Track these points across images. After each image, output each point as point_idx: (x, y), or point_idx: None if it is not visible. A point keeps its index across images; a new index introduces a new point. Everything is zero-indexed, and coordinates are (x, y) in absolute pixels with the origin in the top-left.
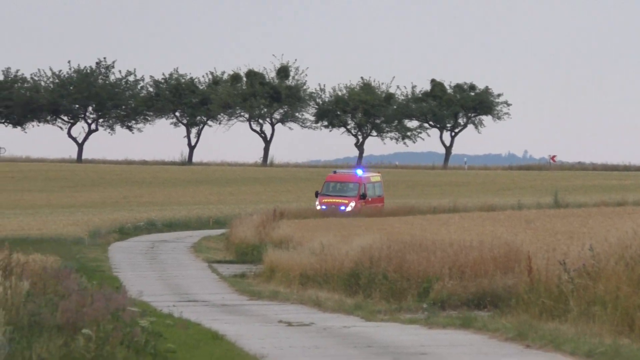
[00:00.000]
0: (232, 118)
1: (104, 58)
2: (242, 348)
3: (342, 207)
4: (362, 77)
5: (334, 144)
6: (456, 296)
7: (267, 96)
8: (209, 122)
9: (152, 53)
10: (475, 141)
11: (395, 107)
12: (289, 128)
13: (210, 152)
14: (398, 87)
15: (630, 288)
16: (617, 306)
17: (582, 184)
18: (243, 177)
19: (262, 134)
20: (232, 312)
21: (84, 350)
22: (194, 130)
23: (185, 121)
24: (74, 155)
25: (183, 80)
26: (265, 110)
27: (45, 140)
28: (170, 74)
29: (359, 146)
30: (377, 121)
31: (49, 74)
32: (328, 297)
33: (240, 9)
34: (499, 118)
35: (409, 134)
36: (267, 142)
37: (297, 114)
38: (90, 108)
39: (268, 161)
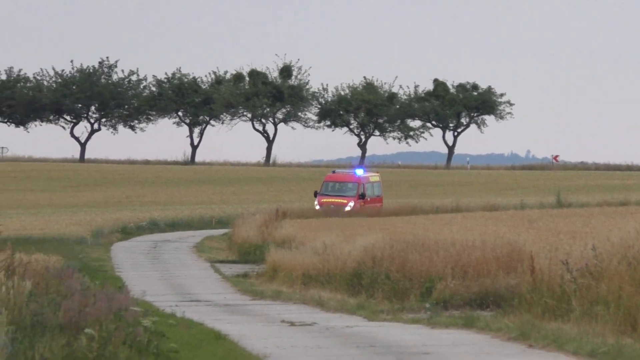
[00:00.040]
0: (235, 118)
1: (107, 57)
2: (244, 348)
3: (345, 207)
4: (364, 77)
5: (336, 144)
6: (459, 296)
7: (270, 96)
8: (212, 122)
9: (155, 52)
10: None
11: (397, 106)
12: (292, 128)
13: (212, 152)
14: (401, 86)
15: (632, 288)
16: (620, 306)
17: (584, 184)
18: (246, 177)
19: (264, 133)
20: (235, 312)
21: (86, 350)
22: (196, 130)
23: (187, 121)
24: (76, 154)
25: (186, 80)
26: (268, 109)
27: (47, 140)
28: (173, 74)
29: (362, 146)
30: (380, 121)
31: (52, 73)
32: (330, 297)
33: (243, 9)
34: (501, 118)
35: (411, 133)
36: (270, 142)
37: (299, 114)
38: (92, 108)
39: (271, 161)
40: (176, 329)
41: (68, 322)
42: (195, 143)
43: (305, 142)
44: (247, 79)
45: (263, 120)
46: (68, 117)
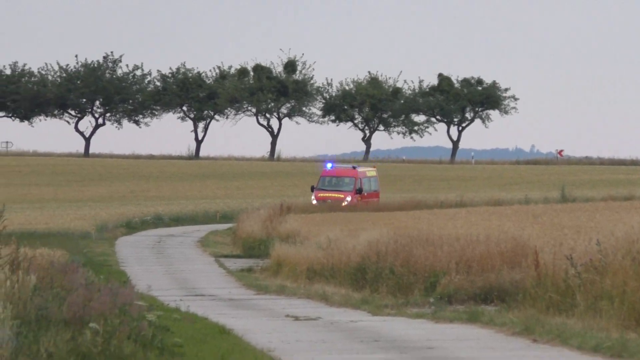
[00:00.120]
0: (240, 112)
1: (111, 52)
2: (249, 342)
3: (342, 202)
4: (369, 72)
5: (341, 139)
6: (463, 291)
7: (274, 90)
8: (216, 117)
9: (160, 47)
10: (483, 136)
11: (402, 101)
12: (296, 122)
13: (217, 147)
14: (405, 81)
15: (637, 283)
16: (624, 301)
17: (589, 179)
18: (250, 172)
19: (269, 128)
20: (239, 306)
21: (91, 344)
22: (201, 125)
23: (192, 115)
24: (81, 149)
25: (190, 75)
26: (273, 104)
27: (52, 135)
28: (178, 69)
29: (366, 141)
30: (385, 115)
31: (56, 68)
32: (335, 292)
33: (248, 4)
34: (506, 112)
35: (416, 128)
36: (274, 137)
37: (304, 109)
38: (97, 102)
39: (275, 155)
40: (181, 324)
41: (72, 316)
42: (200, 138)
43: (310, 137)
44: (252, 73)
45: (267, 115)
46: (73, 112)
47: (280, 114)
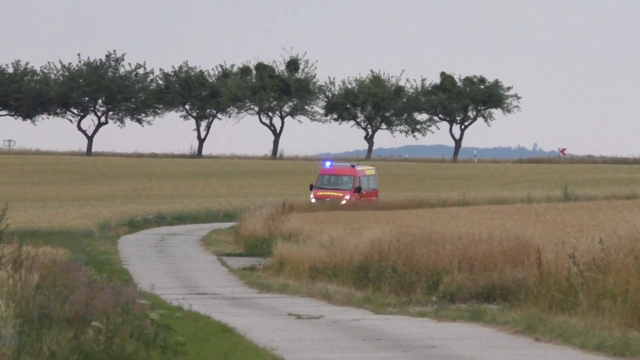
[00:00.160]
0: (242, 111)
1: (114, 51)
2: (251, 341)
3: (341, 201)
4: (371, 70)
5: (343, 137)
6: (465, 289)
7: (277, 89)
8: (219, 115)
9: (162, 46)
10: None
11: (404, 100)
12: (299, 121)
13: (219, 145)
14: (408, 80)
15: (639, 281)
16: (627, 299)
17: (591, 177)
18: (252, 170)
19: (271, 126)
20: (242, 305)
21: (93, 342)
22: (203, 123)
23: (194, 114)
24: (83, 148)
25: (193, 73)
26: (275, 103)
27: (55, 133)
28: (180, 67)
29: (369, 139)
30: (387, 114)
31: (59, 66)
32: (337, 290)
33: (250, 2)
34: (508, 111)
35: (418, 127)
36: (277, 135)
37: (306, 107)
38: (100, 101)
39: (277, 154)
40: (183, 322)
41: (75, 315)
42: (202, 136)
43: (312, 136)
44: (254, 72)
45: (270, 114)
46: (75, 111)
47: (283, 113)
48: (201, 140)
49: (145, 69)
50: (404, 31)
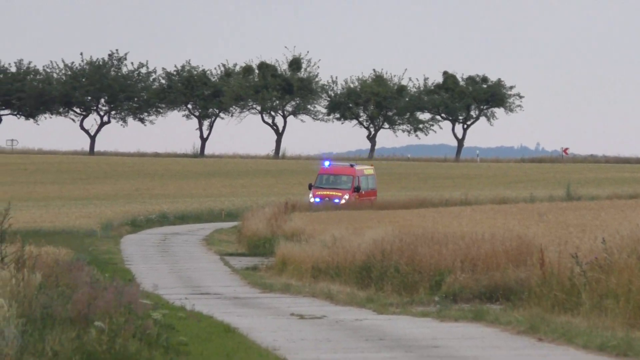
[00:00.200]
0: (244, 110)
1: (116, 50)
2: (254, 341)
3: (336, 200)
4: (374, 69)
5: (345, 137)
6: (468, 289)
7: (279, 88)
8: (221, 114)
9: (165, 45)
10: (488, 133)
11: (407, 99)
12: (301, 120)
13: (222, 145)
14: (410, 79)
15: None
16: (630, 299)
17: (594, 177)
18: (255, 170)
19: (274, 126)
20: (244, 304)
21: (96, 342)
22: (206, 123)
23: (197, 113)
24: (86, 147)
25: (195, 73)
26: (277, 102)
27: (57, 133)
28: (183, 66)
29: (371, 138)
30: (389, 113)
31: (61, 65)
32: (340, 290)
33: (253, 1)
34: (511, 110)
35: (421, 126)
36: (279, 135)
37: (309, 106)
38: (102, 100)
39: (280, 153)
40: (186, 322)
41: (78, 314)
42: (205, 136)
43: (315, 135)
44: (257, 71)
45: (272, 113)
46: (78, 110)
47: (285, 112)
48: (204, 140)
49: (147, 68)
50: (407, 30)
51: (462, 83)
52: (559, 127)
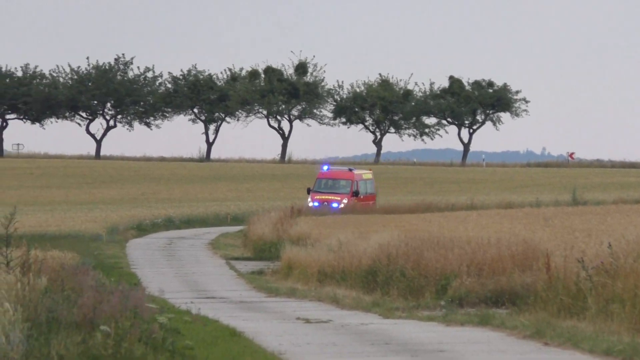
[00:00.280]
0: (250, 114)
1: (123, 54)
2: (259, 345)
3: (335, 204)
4: (380, 74)
5: (351, 141)
6: (474, 293)
7: (285, 93)
8: (227, 119)
9: (171, 49)
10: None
11: (413, 103)
12: (307, 125)
13: (228, 149)
14: (416, 83)
15: None
16: (636, 304)
17: (600, 182)
18: (261, 174)
19: (280, 130)
20: (250, 308)
21: (101, 347)
22: (212, 127)
23: (203, 118)
24: (92, 151)
25: (201, 77)
26: (284, 106)
27: (63, 137)
28: (189, 71)
29: (377, 143)
30: (395, 118)
31: (68, 70)
32: (346, 294)
33: (259, 6)
34: (517, 115)
35: (427, 130)
36: (285, 139)
37: (315, 111)
38: (108, 104)
39: (286, 158)
40: (191, 326)
41: (83, 319)
42: (211, 140)
43: (321, 139)
44: (263, 75)
45: (278, 117)
46: (84, 114)
47: (291, 116)
48: (209, 144)
49: (154, 72)
50: (413, 35)
51: (468, 87)
52: (565, 132)
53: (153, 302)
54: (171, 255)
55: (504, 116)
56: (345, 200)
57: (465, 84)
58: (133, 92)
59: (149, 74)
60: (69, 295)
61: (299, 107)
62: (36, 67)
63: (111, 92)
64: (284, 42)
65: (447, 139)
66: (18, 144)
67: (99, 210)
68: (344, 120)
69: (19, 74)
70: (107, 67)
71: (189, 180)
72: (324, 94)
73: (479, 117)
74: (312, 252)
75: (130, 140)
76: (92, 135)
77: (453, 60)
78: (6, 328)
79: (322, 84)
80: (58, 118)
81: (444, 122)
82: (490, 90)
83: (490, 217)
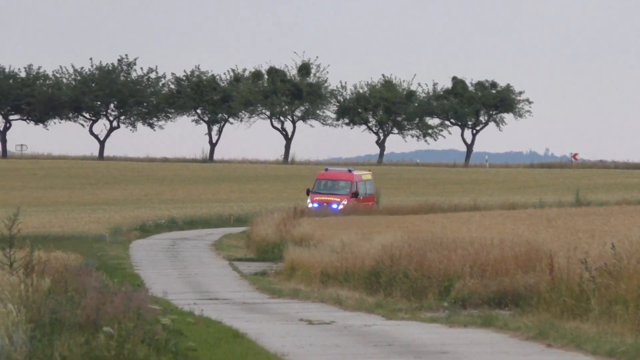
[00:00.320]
0: (253, 115)
1: (126, 55)
2: (262, 346)
3: (334, 205)
4: (383, 75)
5: (354, 142)
6: (477, 295)
7: (289, 93)
8: (230, 120)
9: (174, 50)
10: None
11: (416, 104)
12: (310, 125)
13: (231, 150)
14: (419, 84)
15: None
16: (639, 305)
17: (603, 182)
18: (264, 175)
19: (283, 131)
20: (253, 310)
21: (105, 348)
22: (215, 128)
23: (206, 118)
24: (95, 152)
25: (204, 78)
26: (287, 107)
27: (66, 138)
28: (192, 71)
29: (380, 144)
30: (399, 119)
31: (71, 70)
32: (349, 296)
33: (262, 6)
34: (520, 116)
35: (430, 131)
36: (288, 140)
37: (318, 112)
38: (111, 105)
39: (289, 159)
40: (194, 327)
41: (86, 320)
42: (214, 141)
43: (324, 140)
44: (266, 76)
45: (281, 118)
46: (87, 115)
47: (294, 117)
48: (213, 145)
49: (157, 73)
50: (416, 36)
51: (471, 88)
52: (568, 133)
53: (156, 304)
54: (174, 256)
55: (507, 117)
56: (344, 201)
57: (469, 84)
58: (136, 93)
59: (152, 75)
60: (72, 296)
61: (302, 108)
62: (39, 68)
63: (114, 93)
64: (287, 43)
65: (450, 139)
66: (21, 145)
67: (102, 211)
68: (347, 121)
69: (23, 74)
70: (110, 68)
71: (192, 181)
72: (327, 95)
73: (482, 118)
74: (315, 253)
75: (133, 141)
76: (96, 136)
77: (456, 61)
78: (9, 329)
79: (325, 84)
80: (61, 119)
81: (447, 123)
82: (494, 91)
83: (494, 218)
